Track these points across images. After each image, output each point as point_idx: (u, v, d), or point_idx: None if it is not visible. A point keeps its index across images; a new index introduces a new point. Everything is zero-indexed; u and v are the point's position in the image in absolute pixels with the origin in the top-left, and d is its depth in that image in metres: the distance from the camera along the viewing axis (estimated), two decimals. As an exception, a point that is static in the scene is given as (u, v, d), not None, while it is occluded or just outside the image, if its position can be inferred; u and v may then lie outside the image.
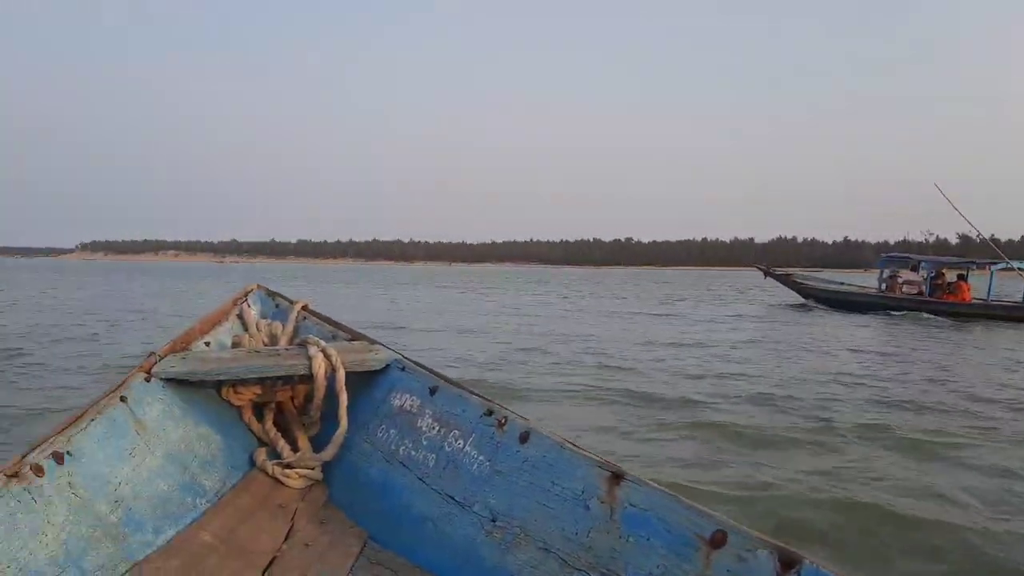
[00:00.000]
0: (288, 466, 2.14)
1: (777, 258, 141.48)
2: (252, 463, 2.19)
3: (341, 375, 2.20)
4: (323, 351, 2.23)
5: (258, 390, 2.26)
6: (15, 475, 1.52)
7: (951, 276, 16.38)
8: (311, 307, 2.89)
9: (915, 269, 17.09)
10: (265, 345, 2.59)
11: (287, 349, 2.36)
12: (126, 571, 1.65)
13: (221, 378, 2.17)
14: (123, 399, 1.98)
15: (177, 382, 2.16)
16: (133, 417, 1.97)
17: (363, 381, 2.36)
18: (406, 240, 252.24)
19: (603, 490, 1.56)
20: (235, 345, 2.56)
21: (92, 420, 1.82)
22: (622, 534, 1.45)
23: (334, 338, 2.65)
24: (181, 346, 2.41)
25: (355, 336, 2.65)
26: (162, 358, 2.21)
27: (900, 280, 16.64)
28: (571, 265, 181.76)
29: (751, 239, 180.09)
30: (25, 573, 1.44)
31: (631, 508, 1.46)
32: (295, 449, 2.21)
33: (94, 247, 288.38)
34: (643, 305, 20.00)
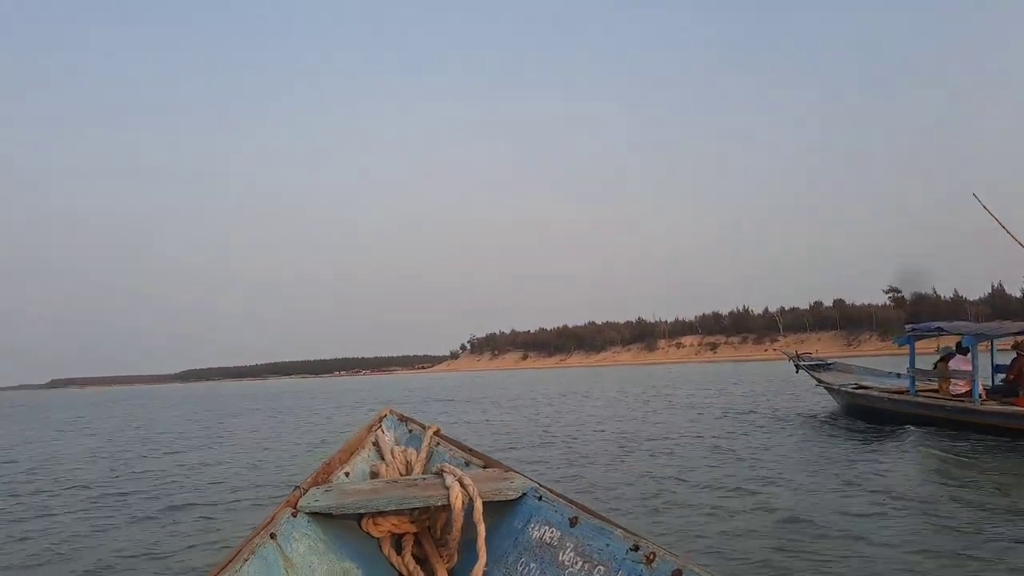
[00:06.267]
0: None
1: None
2: None
3: (479, 505, 2.25)
4: (460, 480, 2.30)
5: (396, 521, 2.37)
6: None
7: None
8: (442, 432, 3.06)
9: (961, 349, 10.77)
10: (401, 473, 2.72)
11: (424, 478, 2.50)
12: None
13: (362, 511, 2.32)
14: (272, 536, 2.12)
15: (321, 515, 2.32)
16: (282, 555, 2.10)
17: (499, 510, 2.42)
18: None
19: None
20: (373, 474, 2.73)
21: (245, 560, 1.95)
22: None
23: (467, 464, 2.78)
24: (323, 478, 2.61)
25: (488, 463, 2.77)
26: (306, 491, 2.41)
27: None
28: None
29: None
30: None
31: None
32: None
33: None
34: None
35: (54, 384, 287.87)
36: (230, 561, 1.92)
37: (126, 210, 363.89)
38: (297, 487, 2.45)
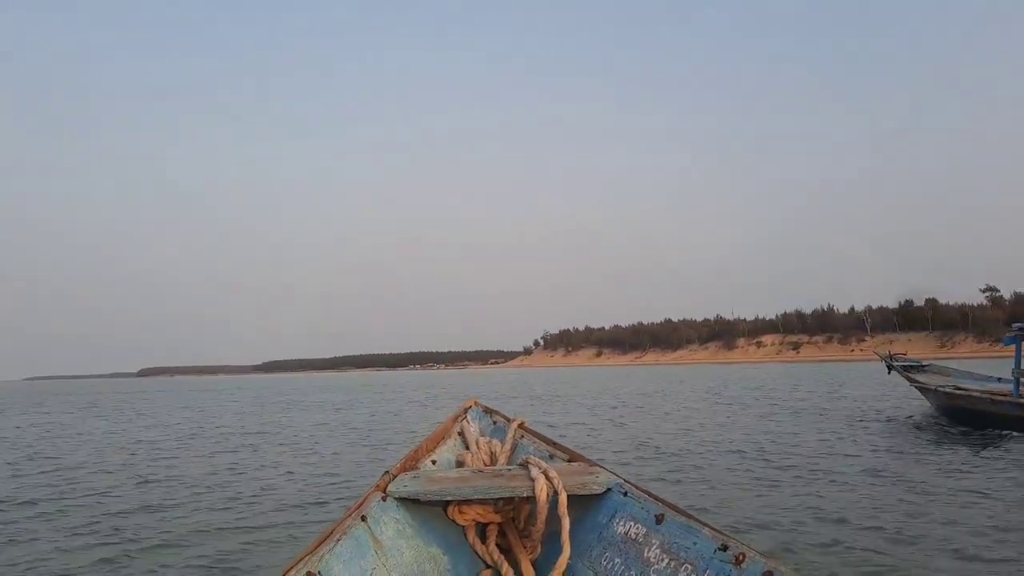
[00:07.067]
0: None
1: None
2: None
3: (563, 499, 2.25)
4: (545, 473, 2.33)
5: (481, 510, 2.44)
6: None
7: None
8: (527, 425, 3.10)
9: None
10: (485, 464, 2.80)
11: (509, 469, 2.54)
12: None
13: (448, 498, 2.38)
14: (363, 518, 2.19)
15: (409, 501, 2.39)
16: (372, 537, 2.17)
17: (583, 504, 2.41)
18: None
19: None
20: (459, 463, 2.82)
21: (338, 540, 2.01)
22: None
23: (551, 458, 2.79)
24: (411, 464, 2.69)
25: (573, 456, 2.77)
26: (395, 477, 2.48)
27: None
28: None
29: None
30: None
31: None
32: (518, 573, 2.26)
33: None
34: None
35: (145, 372, 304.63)
36: (324, 540, 1.99)
37: (208, 202, 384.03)
38: (387, 472, 2.50)
